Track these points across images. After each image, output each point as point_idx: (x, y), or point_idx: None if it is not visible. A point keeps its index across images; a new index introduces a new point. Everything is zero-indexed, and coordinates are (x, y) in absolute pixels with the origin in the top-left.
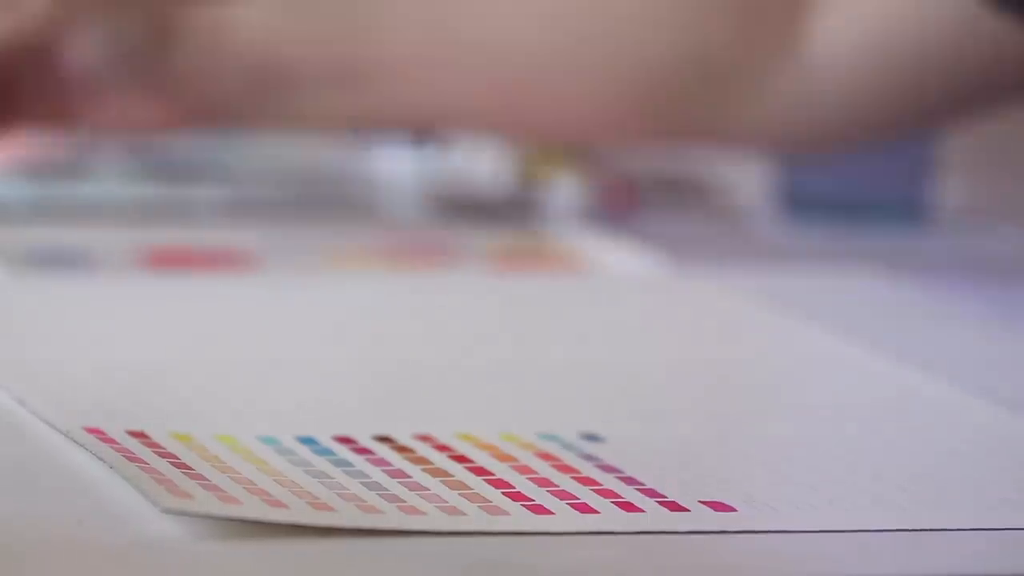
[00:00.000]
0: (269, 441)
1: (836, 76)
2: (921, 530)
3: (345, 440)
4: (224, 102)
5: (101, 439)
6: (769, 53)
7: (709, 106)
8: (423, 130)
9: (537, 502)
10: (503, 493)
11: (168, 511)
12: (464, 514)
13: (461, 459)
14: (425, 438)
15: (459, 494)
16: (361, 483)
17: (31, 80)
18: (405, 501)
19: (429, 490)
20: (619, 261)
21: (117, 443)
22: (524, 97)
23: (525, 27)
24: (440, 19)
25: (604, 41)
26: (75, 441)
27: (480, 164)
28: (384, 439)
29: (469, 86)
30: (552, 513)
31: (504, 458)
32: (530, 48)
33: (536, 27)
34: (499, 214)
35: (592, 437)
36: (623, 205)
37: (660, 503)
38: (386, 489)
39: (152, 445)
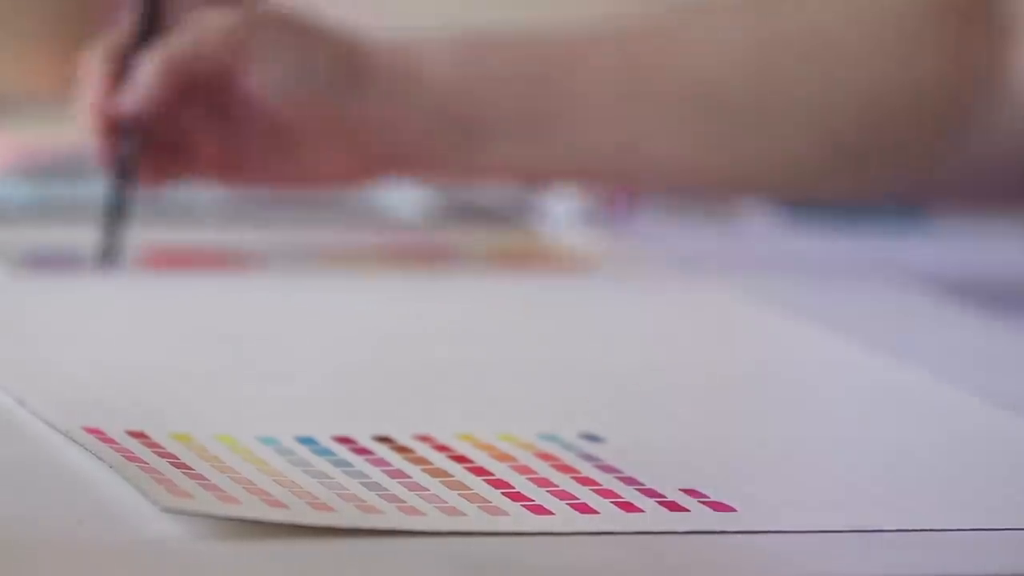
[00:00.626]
0: (269, 441)
1: None
2: (922, 530)
3: (345, 440)
4: (408, 151)
5: (101, 439)
6: (979, 89)
7: (914, 151)
8: (598, 185)
9: (537, 502)
10: (503, 493)
11: (168, 510)
12: (464, 514)
13: (461, 459)
14: (425, 438)
15: (459, 494)
16: (361, 483)
17: (211, 119)
18: (405, 501)
19: (429, 490)
20: (619, 261)
21: (117, 443)
22: (722, 146)
23: (722, 67)
24: (628, 69)
25: (802, 82)
26: (75, 441)
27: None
28: (384, 439)
29: (665, 139)
30: (552, 513)
31: (504, 458)
32: (727, 88)
33: (732, 67)
34: (499, 214)
35: (592, 437)
36: (623, 206)
37: (660, 503)
38: (386, 489)
39: (152, 445)
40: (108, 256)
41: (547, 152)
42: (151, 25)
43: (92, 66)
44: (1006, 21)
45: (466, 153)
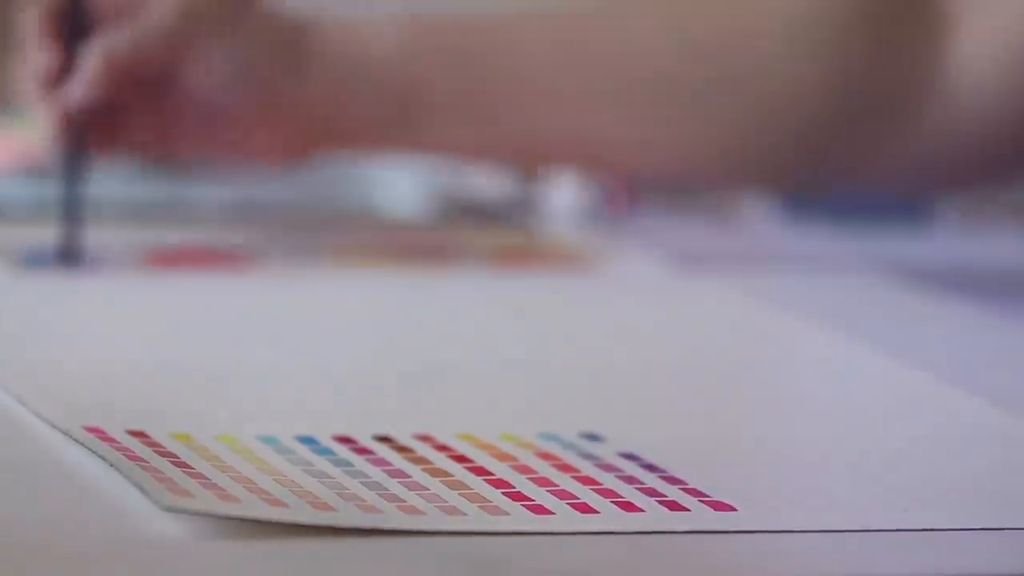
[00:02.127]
0: (269, 441)
1: (981, 99)
2: (921, 530)
3: (345, 440)
4: (351, 128)
5: (101, 438)
6: (913, 83)
7: (852, 141)
8: (539, 168)
9: (537, 502)
10: (503, 493)
11: (168, 509)
12: (464, 514)
13: (461, 459)
14: (425, 438)
15: (459, 494)
16: (361, 483)
17: (148, 100)
18: (405, 501)
19: (429, 490)
20: (619, 261)
21: (117, 442)
22: (659, 133)
23: (667, 53)
24: (573, 48)
25: (744, 68)
26: (75, 440)
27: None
28: (384, 439)
29: (604, 119)
30: (552, 513)
31: (504, 458)
32: (672, 76)
33: (677, 52)
34: (499, 214)
35: (592, 437)
36: (623, 205)
37: (660, 503)
38: (386, 489)
39: (152, 444)
40: (69, 254)
41: (489, 131)
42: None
43: (33, 54)
44: (941, 11)
45: (407, 131)
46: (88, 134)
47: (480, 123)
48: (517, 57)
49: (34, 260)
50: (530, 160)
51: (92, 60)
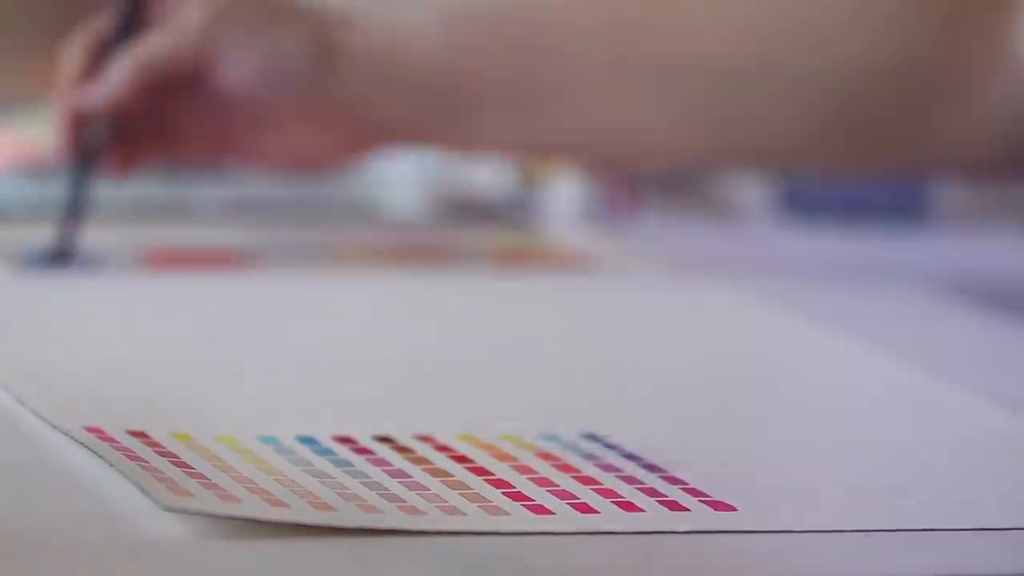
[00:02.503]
0: (269, 441)
1: None
2: (921, 530)
3: (345, 440)
4: (393, 127)
5: (101, 438)
6: (975, 58)
7: (911, 120)
8: (594, 160)
9: (537, 502)
10: (503, 493)
11: (169, 509)
12: (464, 514)
13: (461, 459)
14: (425, 438)
15: (459, 494)
16: (361, 483)
17: (188, 105)
18: (405, 501)
19: (429, 490)
20: (619, 262)
21: (117, 442)
22: (715, 121)
23: (723, 42)
24: (624, 38)
25: (798, 48)
26: (75, 440)
27: (480, 164)
28: (384, 439)
29: (657, 111)
30: (552, 513)
31: (504, 458)
32: (726, 64)
33: (729, 38)
34: (499, 214)
35: (592, 437)
36: (623, 205)
37: (660, 503)
38: (386, 489)
39: (152, 444)
40: (63, 255)
41: (538, 123)
42: (131, 20)
43: (68, 58)
44: None
45: (455, 127)
46: (101, 147)
47: (530, 115)
48: (565, 46)
49: (34, 260)
50: (580, 152)
51: (121, 62)
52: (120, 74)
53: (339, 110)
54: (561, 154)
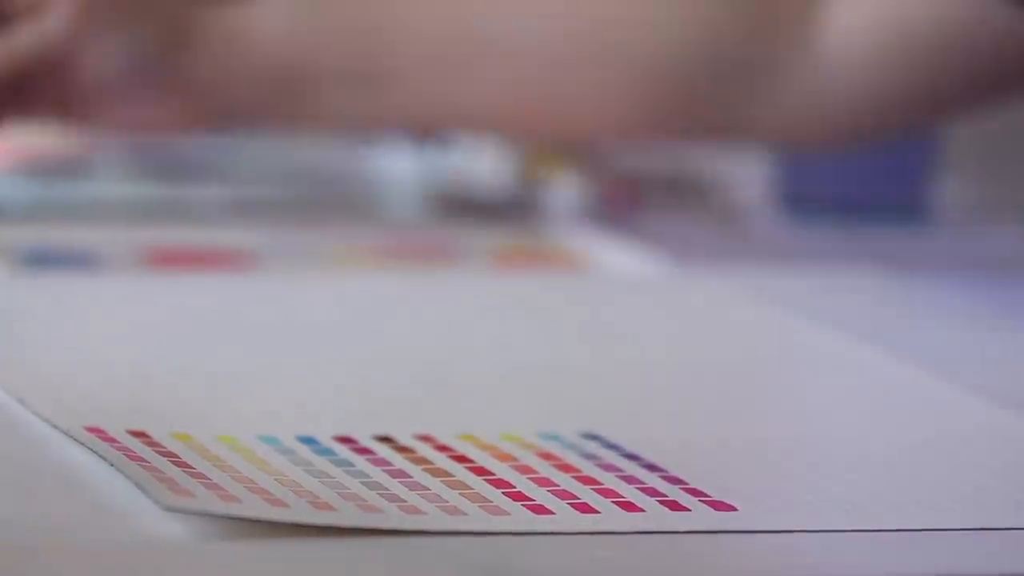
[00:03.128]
0: (269, 441)
1: (849, 70)
2: (921, 530)
3: (345, 440)
4: (241, 103)
5: (101, 438)
6: (782, 48)
7: (722, 104)
8: (433, 132)
9: (537, 502)
10: (503, 493)
11: (169, 509)
12: (464, 514)
13: (461, 459)
14: (425, 438)
15: (459, 494)
16: (362, 483)
17: (47, 82)
18: (405, 501)
19: (429, 490)
20: (619, 261)
21: (118, 442)
22: (534, 97)
23: (538, 26)
24: (456, 19)
25: (615, 39)
26: (76, 440)
27: (480, 164)
28: (384, 439)
29: (483, 86)
30: (552, 513)
31: (504, 458)
32: (543, 47)
33: (549, 26)
34: (499, 214)
35: (592, 437)
36: (623, 205)
37: (660, 502)
38: (386, 489)
39: (153, 444)
40: None
41: (377, 101)
42: None
43: None
44: None
45: (295, 105)
46: None
47: (367, 94)
48: (404, 26)
49: (34, 260)
50: (421, 126)
51: None
52: None
53: (188, 88)
54: (398, 128)
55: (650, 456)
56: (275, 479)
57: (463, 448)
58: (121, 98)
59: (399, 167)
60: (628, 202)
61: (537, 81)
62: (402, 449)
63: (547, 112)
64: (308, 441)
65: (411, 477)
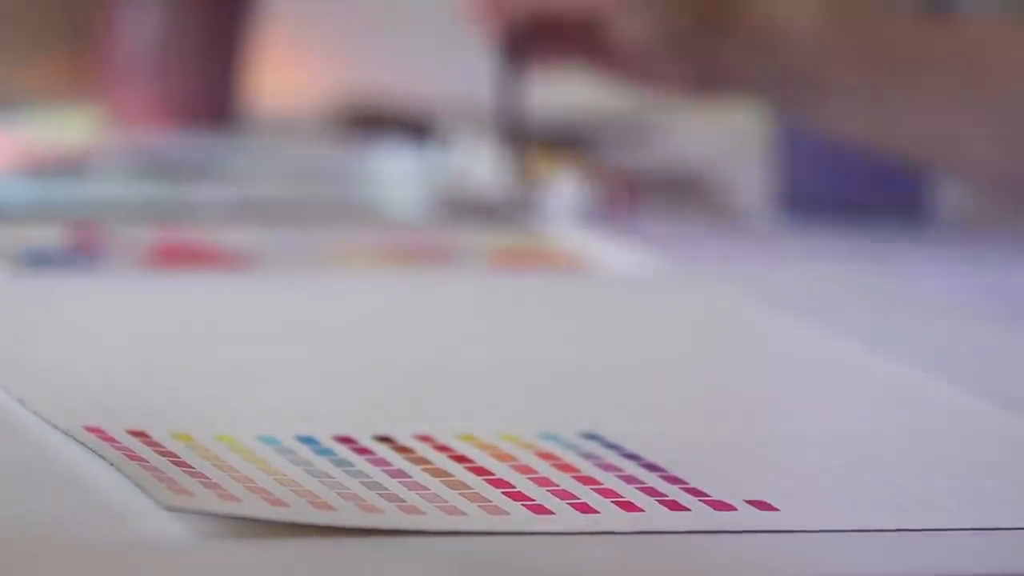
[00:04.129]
0: (269, 441)
1: None
2: (921, 530)
3: (345, 440)
4: (752, 87)
5: (101, 438)
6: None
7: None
8: (919, 164)
9: (537, 502)
10: (503, 493)
11: (169, 508)
12: (464, 514)
13: (461, 459)
14: (425, 438)
15: (459, 494)
16: (361, 483)
17: (583, 38)
18: (405, 501)
19: (429, 490)
20: (618, 261)
21: (117, 441)
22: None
23: None
24: (970, 64)
25: None
26: (75, 440)
27: (480, 164)
28: (384, 439)
29: (984, 135)
30: (552, 513)
31: (504, 458)
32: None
33: None
34: (499, 214)
35: (592, 436)
36: (623, 205)
37: (660, 502)
38: (386, 489)
39: (152, 444)
40: (515, 134)
41: (877, 121)
42: None
43: None
44: None
45: (805, 105)
46: (526, 46)
47: (872, 112)
48: (917, 57)
49: (34, 260)
50: (903, 154)
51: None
52: (521, 7)
53: (710, 65)
54: (890, 150)
55: (650, 456)
56: (274, 479)
57: (463, 448)
58: (647, 61)
59: (399, 167)
60: (628, 202)
61: (1017, 137)
62: (402, 449)
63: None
64: (308, 441)
65: (411, 477)
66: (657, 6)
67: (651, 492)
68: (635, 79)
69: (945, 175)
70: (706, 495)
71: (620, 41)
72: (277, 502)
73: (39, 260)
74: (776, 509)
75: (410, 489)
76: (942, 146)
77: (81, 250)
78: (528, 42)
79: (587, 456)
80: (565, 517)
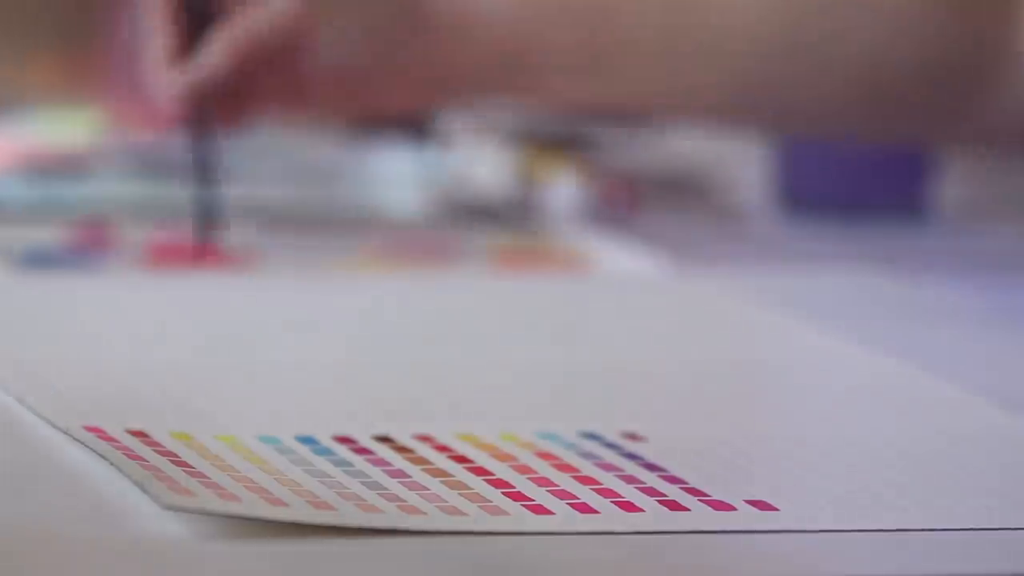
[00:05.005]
0: (269, 441)
1: None
2: (921, 530)
3: (345, 440)
4: (469, 83)
5: (101, 437)
6: (992, 51)
7: (934, 105)
8: (652, 118)
9: (537, 502)
10: (503, 493)
11: (169, 507)
12: (464, 514)
13: (461, 459)
14: (425, 438)
15: (459, 494)
16: (361, 482)
17: (277, 69)
18: (405, 500)
19: (429, 490)
20: (619, 261)
21: (117, 441)
22: (755, 87)
23: (766, 17)
24: (681, 14)
25: (838, 36)
26: (75, 439)
27: (481, 164)
28: (384, 439)
29: (707, 74)
30: (552, 513)
31: (504, 458)
32: (767, 36)
33: (777, 17)
34: (499, 214)
35: (592, 436)
36: (623, 205)
37: (660, 502)
38: (386, 488)
39: (152, 444)
40: (208, 220)
41: (596, 84)
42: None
43: (159, 34)
44: None
45: (521, 87)
46: (213, 110)
47: (590, 78)
48: (627, 16)
49: (34, 260)
50: (629, 111)
51: (218, 43)
52: (218, 53)
53: (417, 69)
54: (616, 111)
55: (650, 456)
56: (274, 478)
57: (463, 448)
58: (352, 84)
59: (399, 167)
60: (628, 202)
61: (756, 71)
62: (402, 449)
63: (763, 102)
64: (307, 441)
65: (411, 477)
66: (352, 15)
67: (651, 492)
68: (344, 109)
69: (680, 122)
70: (706, 495)
71: (321, 67)
72: (277, 502)
73: (39, 260)
74: (776, 509)
75: (410, 489)
76: (669, 95)
77: (81, 250)
78: (217, 105)
79: (587, 456)
80: (565, 517)
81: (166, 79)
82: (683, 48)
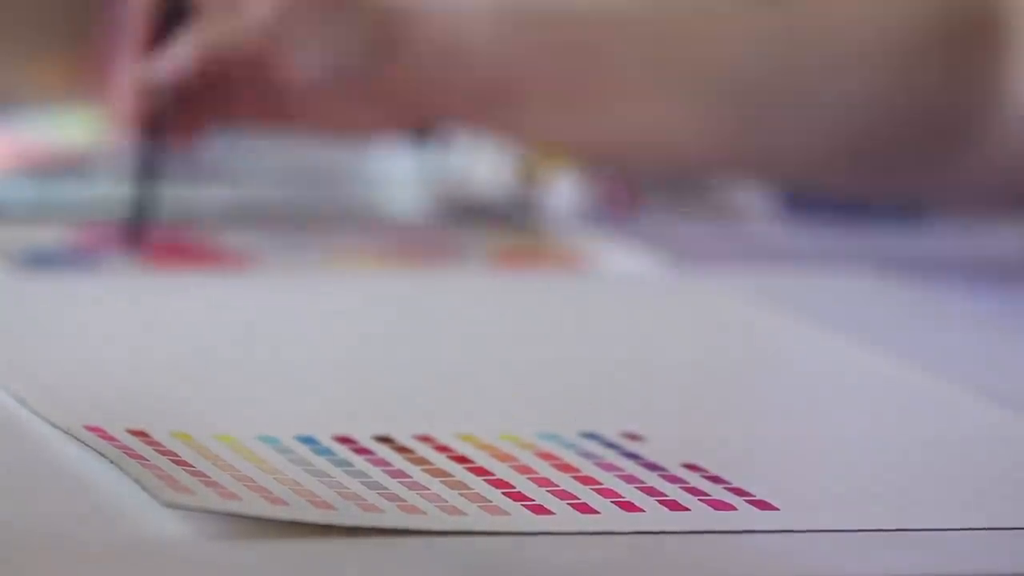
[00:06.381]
0: (269, 441)
1: None
2: (920, 530)
3: (345, 440)
4: (445, 111)
5: (101, 437)
6: (975, 99)
7: (913, 157)
8: (629, 162)
9: (537, 502)
10: (503, 493)
11: (169, 505)
12: (464, 514)
13: (461, 459)
14: (425, 438)
15: (459, 494)
16: (361, 482)
17: (246, 85)
18: (405, 500)
19: (429, 490)
20: (619, 261)
21: (117, 441)
22: (738, 132)
23: (747, 59)
24: (668, 47)
25: (825, 78)
26: (75, 438)
27: (480, 164)
28: (384, 439)
29: (692, 119)
30: (552, 513)
31: (504, 458)
32: (750, 79)
33: (757, 60)
34: (499, 214)
35: (592, 436)
36: (623, 205)
37: (660, 502)
38: (386, 488)
39: (152, 443)
40: (140, 218)
41: (580, 124)
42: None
43: (128, 32)
44: (1006, 36)
45: (502, 121)
46: (170, 111)
47: (573, 116)
48: (610, 55)
49: (34, 260)
50: (613, 154)
51: (186, 47)
52: (186, 51)
53: (394, 95)
54: (597, 155)
55: (650, 456)
56: (274, 478)
57: (463, 448)
58: (322, 103)
59: (399, 167)
60: (628, 202)
61: (737, 118)
62: (402, 449)
63: (743, 150)
64: (307, 441)
65: (411, 477)
66: (328, 36)
67: (651, 492)
68: (318, 129)
69: (660, 169)
70: (706, 495)
71: (296, 84)
72: (277, 501)
73: (39, 260)
74: (776, 509)
75: (410, 489)
76: (649, 138)
77: (81, 250)
78: (177, 108)
79: (587, 456)
80: (565, 517)
81: (129, 72)
82: (665, 93)
